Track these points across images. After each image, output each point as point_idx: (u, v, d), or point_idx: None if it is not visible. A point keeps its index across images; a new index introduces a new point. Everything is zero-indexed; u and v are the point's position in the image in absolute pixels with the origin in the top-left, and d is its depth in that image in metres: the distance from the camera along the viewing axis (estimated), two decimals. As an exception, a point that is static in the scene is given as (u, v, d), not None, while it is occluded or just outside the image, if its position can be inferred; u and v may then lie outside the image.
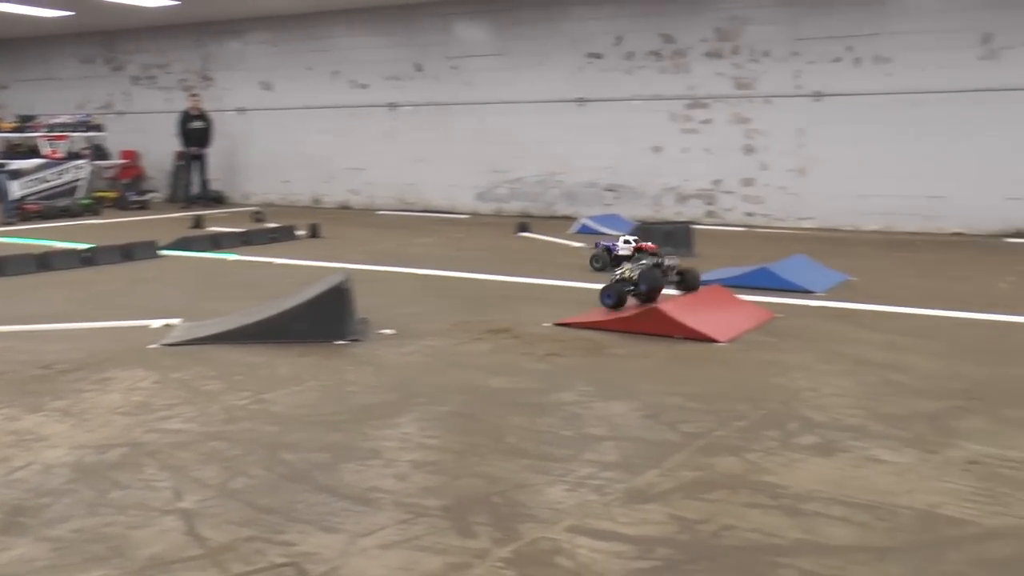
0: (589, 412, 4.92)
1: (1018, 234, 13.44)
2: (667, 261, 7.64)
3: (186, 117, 19.26)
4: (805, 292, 8.41)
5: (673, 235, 11.32)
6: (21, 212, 16.43)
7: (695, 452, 4.25)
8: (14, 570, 3.13)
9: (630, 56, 16.16)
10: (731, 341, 6.52)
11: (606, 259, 9.72)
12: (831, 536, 3.34)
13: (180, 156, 19.88)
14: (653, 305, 6.77)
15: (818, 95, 14.71)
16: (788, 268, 8.88)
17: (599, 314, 7.14)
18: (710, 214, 15.56)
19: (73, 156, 18.87)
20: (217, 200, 19.69)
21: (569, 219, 15.41)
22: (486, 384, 5.51)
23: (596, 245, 10.19)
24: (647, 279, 7.11)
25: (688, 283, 7.55)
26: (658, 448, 4.32)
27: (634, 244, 9.32)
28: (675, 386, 5.40)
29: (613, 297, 7.16)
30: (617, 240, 9.68)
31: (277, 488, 3.85)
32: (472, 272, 9.93)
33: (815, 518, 3.49)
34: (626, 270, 7.39)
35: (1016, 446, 4.35)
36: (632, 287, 7.22)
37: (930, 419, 4.77)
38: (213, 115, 19.59)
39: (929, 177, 14.08)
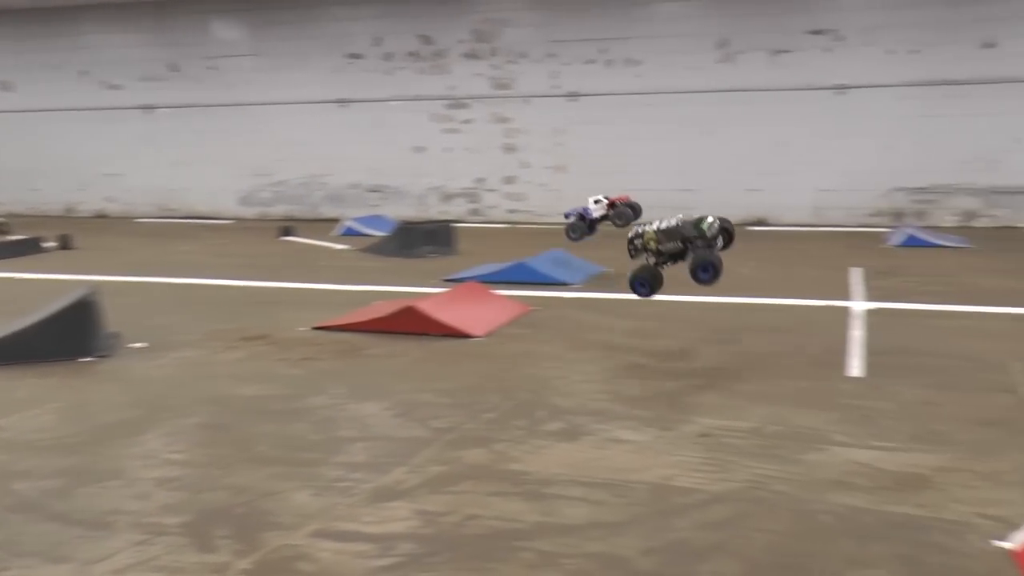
0: (341, 415, 4.87)
1: (759, 222, 14.41)
2: (709, 221, 5.97)
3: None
4: (561, 284, 8.67)
5: (435, 234, 11.41)
6: None
7: (444, 447, 4.28)
8: None
9: (389, 57, 16.17)
10: (487, 335, 6.63)
11: (583, 227, 9.66)
12: (569, 516, 3.45)
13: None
14: (409, 304, 6.77)
15: (574, 95, 15.22)
16: (545, 262, 9.13)
17: (356, 316, 7.09)
18: (474, 212, 15.80)
19: None
20: (-44, 212, 18.21)
21: (335, 221, 15.23)
22: (238, 393, 5.36)
23: (567, 216, 9.90)
24: (704, 262, 5.81)
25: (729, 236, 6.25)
26: (407, 445, 4.33)
27: (606, 201, 9.27)
28: (429, 383, 5.43)
29: (648, 285, 6.10)
30: (587, 204, 9.54)
31: (3, 520, 3.59)
32: (232, 279, 9.64)
33: (555, 500, 3.60)
34: (649, 238, 6.01)
35: (744, 417, 4.65)
36: (662, 258, 6.06)
37: (668, 398, 5.03)
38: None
39: (679, 171, 14.89)
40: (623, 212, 9.12)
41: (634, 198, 9.30)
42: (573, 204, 15.10)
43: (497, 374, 5.61)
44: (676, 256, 6.02)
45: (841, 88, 14.32)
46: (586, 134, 15.23)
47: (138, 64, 17.87)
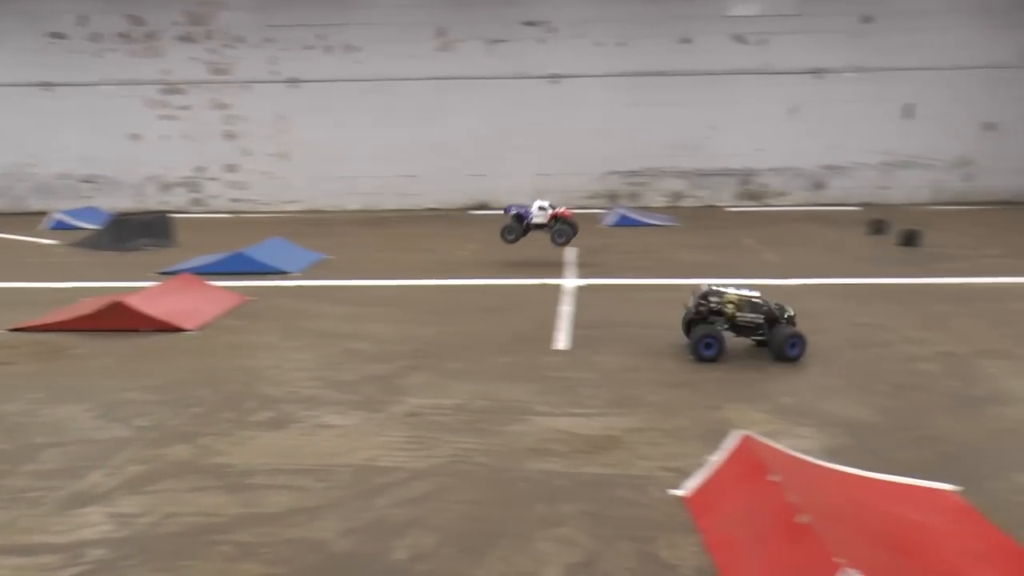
0: (35, 420, 4.58)
1: (481, 207, 14.78)
2: (790, 312, 5.67)
3: None
4: (281, 273, 8.55)
5: (151, 225, 10.91)
6: None
7: (145, 445, 4.14)
8: None
9: (97, 38, 15.20)
10: (200, 328, 6.43)
11: (519, 229, 8.88)
12: (270, 505, 3.44)
13: None
14: (116, 299, 6.45)
15: (294, 81, 14.96)
16: (264, 251, 8.96)
17: (60, 314, 6.67)
18: (196, 202, 15.22)
19: None
20: None
21: (43, 215, 14.17)
22: (-83, 405, 4.92)
23: (506, 211, 9.15)
24: (794, 336, 5.45)
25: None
26: (106, 447, 4.14)
27: (550, 211, 8.71)
28: (136, 380, 5.21)
29: (715, 347, 5.43)
30: (530, 207, 8.87)
31: None
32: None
33: (257, 491, 3.57)
34: (729, 302, 5.57)
35: (449, 395, 4.79)
36: (729, 325, 5.58)
37: (379, 381, 5.09)
38: None
39: (403, 158, 14.99)
40: (564, 231, 8.88)
41: (563, 212, 9.01)
42: (298, 193, 14.98)
43: (208, 367, 5.46)
44: (745, 329, 5.58)
45: (555, 77, 14.88)
46: (308, 121, 15.02)
47: None
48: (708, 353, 5.41)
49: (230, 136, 15.14)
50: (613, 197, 15.02)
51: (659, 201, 15.05)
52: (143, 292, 6.85)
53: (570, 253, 9.59)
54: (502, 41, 14.88)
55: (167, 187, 15.39)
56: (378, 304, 7.27)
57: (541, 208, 8.89)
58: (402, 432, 4.23)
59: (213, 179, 15.24)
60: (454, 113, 14.90)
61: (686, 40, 14.76)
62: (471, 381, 5.06)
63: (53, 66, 15.35)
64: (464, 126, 14.91)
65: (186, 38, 15.09)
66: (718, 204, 15.01)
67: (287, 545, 3.12)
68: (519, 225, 9.07)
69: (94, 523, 3.33)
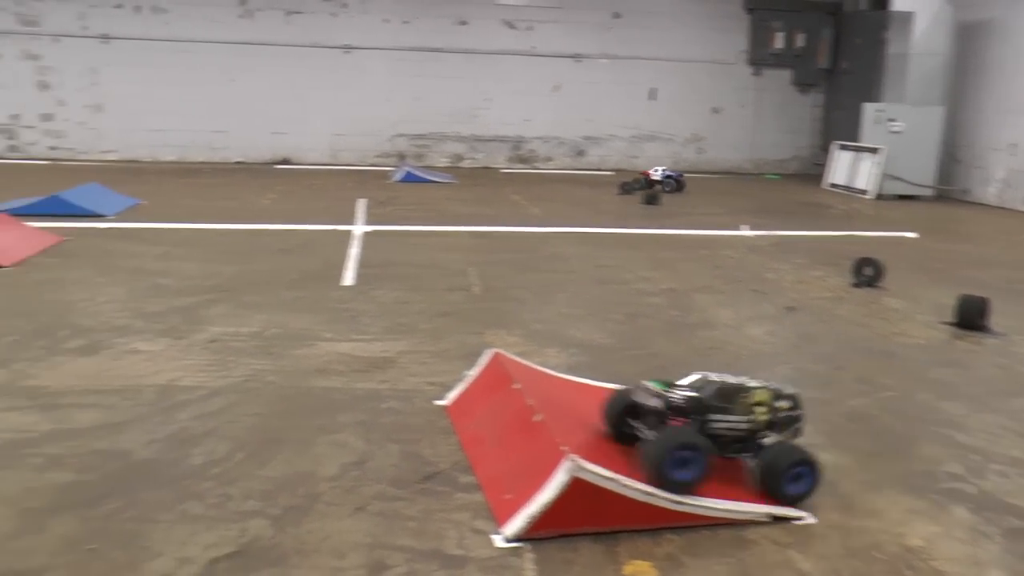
0: None
1: (285, 161, 14.36)
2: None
3: None
4: (96, 216, 8.04)
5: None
6: None
7: (-40, 371, 3.89)
8: None
9: None
10: (14, 265, 6.00)
11: (644, 183, 11.38)
12: (80, 421, 3.35)
13: None
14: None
15: (106, 37, 13.86)
16: (80, 195, 8.38)
17: None
18: (12, 148, 13.90)
19: None
20: None
21: None
22: None
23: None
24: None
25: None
26: (-80, 373, 3.86)
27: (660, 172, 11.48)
28: (-51, 313, 4.84)
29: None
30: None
31: None
32: None
33: (68, 409, 3.46)
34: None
35: (246, 324, 4.75)
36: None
37: (184, 312, 4.97)
38: None
39: (211, 114, 14.28)
40: (669, 183, 11.75)
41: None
42: (114, 143, 14.02)
43: (22, 300, 5.14)
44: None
45: (347, 48, 14.55)
46: (122, 76, 13.97)
47: None
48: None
49: (44, 86, 13.87)
50: (401, 157, 14.95)
51: (442, 162, 15.11)
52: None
53: (360, 204, 9.55)
54: (298, 12, 14.39)
55: (-15, 133, 13.99)
56: (186, 245, 7.01)
57: (659, 169, 11.68)
58: (203, 357, 4.18)
59: (29, 127, 13.93)
60: (257, 76, 14.31)
61: (463, 22, 14.80)
62: (266, 312, 5.02)
63: None
64: (266, 88, 14.37)
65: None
66: (493, 166, 15.26)
67: (94, 455, 3.05)
68: (645, 179, 11.42)
69: (-93, 442, 3.14)
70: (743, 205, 10.99)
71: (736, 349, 4.69)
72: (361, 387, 3.85)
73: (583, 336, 4.80)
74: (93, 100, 13.98)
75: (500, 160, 15.36)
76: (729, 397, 2.90)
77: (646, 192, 10.77)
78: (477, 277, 6.17)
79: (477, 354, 3.82)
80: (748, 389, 2.93)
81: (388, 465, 3.07)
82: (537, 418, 3.04)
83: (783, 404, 2.96)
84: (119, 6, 13.81)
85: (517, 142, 15.43)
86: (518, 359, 3.77)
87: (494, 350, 3.77)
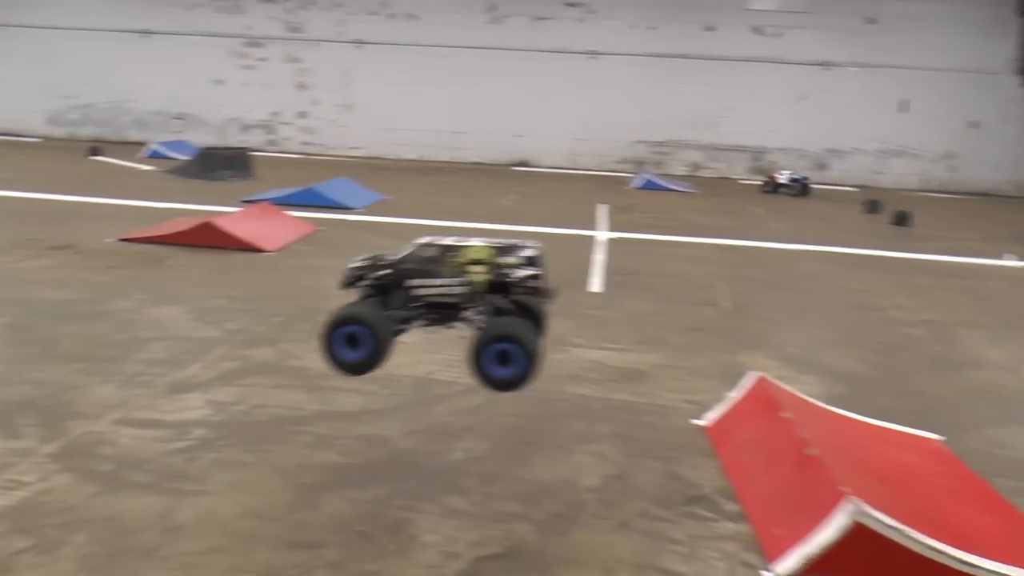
0: (142, 317, 4.64)
1: (522, 164, 14.70)
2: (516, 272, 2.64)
3: None
4: (346, 208, 8.54)
5: (233, 160, 10.92)
6: None
7: (235, 345, 4.19)
8: None
9: (184, -7, 15.11)
10: (277, 251, 6.46)
11: (772, 185, 12.03)
12: (343, 405, 3.49)
13: None
14: (207, 220, 6.49)
15: (359, 42, 14.81)
16: (332, 188, 8.96)
17: (159, 229, 6.73)
18: (271, 142, 15.20)
19: None
20: None
21: (141, 144, 14.23)
22: (44, 296, 4.98)
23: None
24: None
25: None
26: (202, 344, 4.20)
27: (782, 176, 11.99)
28: (224, 290, 5.26)
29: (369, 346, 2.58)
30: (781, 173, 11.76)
31: None
32: (40, 193, 8.85)
33: (332, 392, 3.61)
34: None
35: (494, 323, 4.81)
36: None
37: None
38: None
39: (453, 116, 14.89)
40: (794, 187, 12.26)
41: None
42: (360, 141, 14.94)
43: (284, 284, 5.51)
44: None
45: (593, 53, 14.69)
46: (370, 78, 14.92)
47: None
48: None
49: (302, 87, 15.08)
50: (639, 163, 14.90)
51: (680, 170, 14.92)
52: (229, 216, 6.89)
53: (601, 210, 9.55)
54: (546, 19, 14.67)
55: (246, 128, 15.38)
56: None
57: (784, 172, 12.02)
58: (456, 352, 4.24)
59: (286, 123, 15.21)
60: (500, 80, 14.77)
61: (710, 28, 14.53)
62: (513, 313, 5.07)
63: (150, 16, 15.29)
64: (509, 92, 14.79)
65: (267, -1, 14.96)
66: (732, 176, 14.86)
67: (358, 440, 3.16)
68: (772, 183, 12.07)
69: (195, 407, 3.39)
70: (1003, 231, 10.01)
71: (1010, 393, 4.20)
72: (616, 398, 3.77)
73: (840, 365, 4.48)
74: (344, 100, 14.98)
75: (738, 170, 14.92)
76: (433, 258, 2.53)
77: (896, 212, 10.03)
78: (725, 292, 5.96)
79: (732, 374, 3.64)
80: (458, 247, 2.52)
81: (650, 483, 2.97)
82: (811, 452, 2.83)
83: (509, 260, 2.48)
84: (374, 13, 14.71)
85: (758, 152, 14.93)
86: (784, 386, 3.56)
87: (758, 374, 3.58)
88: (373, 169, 12.90)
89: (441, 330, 2.58)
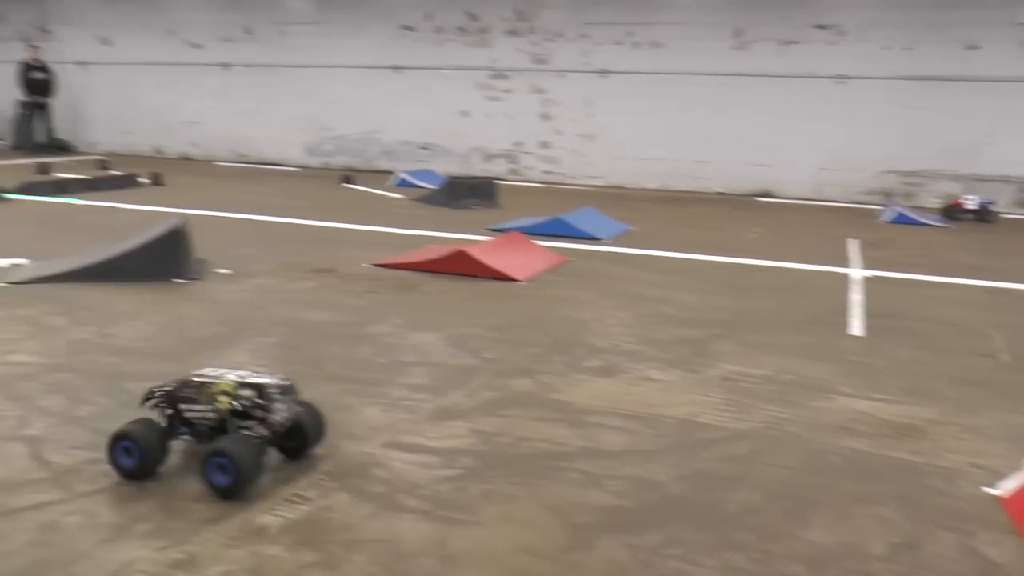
0: (401, 342, 4.83)
1: (765, 194, 14.22)
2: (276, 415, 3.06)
3: (26, 68, 17.61)
4: (593, 239, 8.57)
5: (479, 188, 11.30)
6: None
7: (493, 375, 4.25)
8: None
9: (439, 30, 15.92)
10: (528, 280, 6.56)
11: (959, 211, 11.78)
12: (608, 443, 3.42)
13: (23, 105, 18.17)
14: (460, 248, 6.70)
15: (604, 72, 14.96)
16: (579, 218, 9.02)
17: (412, 256, 7.04)
18: (513, 171, 15.65)
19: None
20: (63, 148, 18.20)
21: (389, 173, 15.14)
22: (310, 318, 5.33)
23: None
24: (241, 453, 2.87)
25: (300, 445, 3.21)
26: (461, 372, 4.30)
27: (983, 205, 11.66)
28: (478, 319, 5.38)
29: (136, 457, 3.00)
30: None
31: (120, 415, 3.57)
32: (300, 218, 9.58)
33: (595, 428, 3.56)
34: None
35: (758, 365, 4.59)
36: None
37: (692, 344, 4.96)
38: (55, 67, 18.03)
39: (695, 145, 14.67)
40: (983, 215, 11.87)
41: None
42: (601, 170, 15.05)
43: (538, 314, 5.56)
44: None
45: (841, 78, 14.00)
46: (613, 107, 15.00)
47: (217, 27, 17.69)
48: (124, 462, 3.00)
49: (545, 117, 15.42)
50: (888, 195, 13.97)
51: (932, 202, 13.81)
52: (480, 244, 7.08)
53: (851, 245, 9.00)
54: (794, 43, 14.16)
55: (489, 157, 15.93)
56: (679, 274, 7.13)
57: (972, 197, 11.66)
58: (717, 394, 4.09)
59: (528, 153, 15.61)
60: (744, 107, 14.38)
61: (973, 47, 13.38)
62: (774, 355, 4.82)
63: (402, 52, 16.24)
64: (752, 119, 14.37)
65: (512, 32, 15.46)
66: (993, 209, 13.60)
67: (627, 481, 3.07)
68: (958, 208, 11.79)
69: (460, 435, 3.45)
70: None
71: None
72: (893, 456, 3.45)
73: None
74: (586, 130, 15.17)
75: (1002, 203, 13.59)
76: (197, 387, 3.09)
77: None
78: (1002, 342, 5.36)
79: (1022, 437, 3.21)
80: (213, 379, 3.10)
81: (943, 556, 2.67)
82: None
83: (247, 393, 3.03)
84: (619, 43, 14.82)
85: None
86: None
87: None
88: (615, 199, 12.93)
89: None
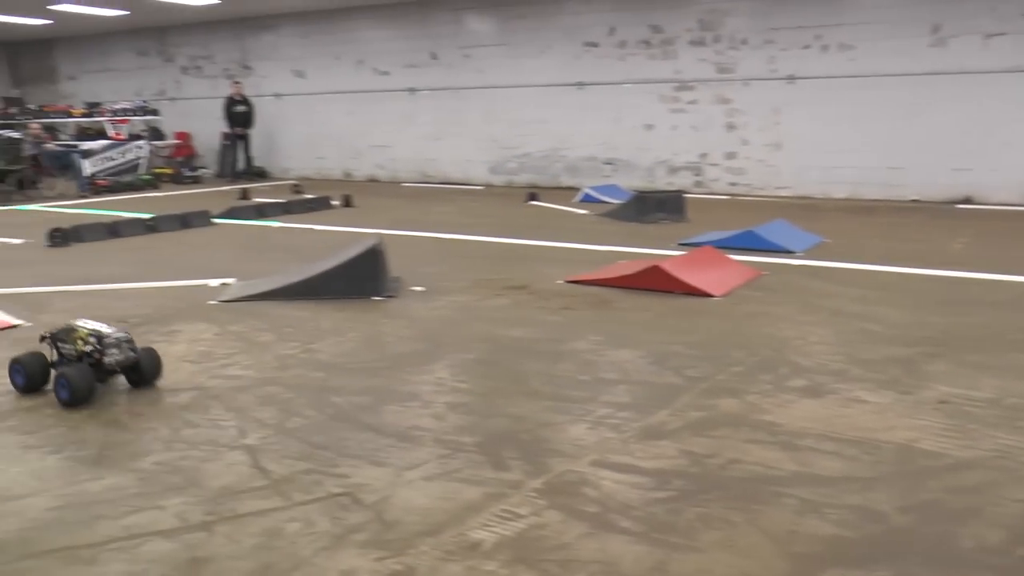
0: (601, 359, 4.86)
1: (966, 200, 13.29)
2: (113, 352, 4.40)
3: (230, 102, 19.10)
4: (786, 252, 8.30)
5: (666, 202, 11.19)
6: (92, 187, 16.42)
7: (698, 394, 4.19)
8: (107, 497, 3.12)
9: (623, 44, 15.91)
10: (724, 296, 6.44)
11: None
12: (824, 468, 3.30)
13: (226, 136, 19.68)
14: (655, 264, 6.66)
15: (791, 78, 14.48)
16: (771, 231, 8.76)
17: (605, 272, 7.06)
18: (698, 184, 15.39)
19: (134, 137, 18.87)
20: (260, 175, 19.60)
21: (573, 189, 15.27)
22: (507, 334, 5.45)
23: None
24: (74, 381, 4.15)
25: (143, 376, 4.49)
26: (665, 391, 4.27)
27: None
28: (676, 336, 5.33)
29: (24, 378, 4.36)
30: None
31: (328, 427, 3.82)
32: (489, 236, 9.82)
33: (809, 452, 3.45)
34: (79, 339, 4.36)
35: (980, 387, 4.29)
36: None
37: (903, 363, 4.71)
38: (253, 100, 19.44)
39: (888, 150, 13.92)
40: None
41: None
42: (788, 180, 14.56)
43: (738, 331, 5.43)
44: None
45: (1056, 70, 12.90)
46: (802, 114, 14.46)
47: (403, 54, 18.44)
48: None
49: (731, 127, 15.09)
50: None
51: None
52: (674, 259, 7.01)
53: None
54: (1000, 34, 13.14)
55: (673, 170, 15.74)
56: (881, 288, 6.78)
57: None
58: (936, 419, 3.85)
59: (714, 164, 15.31)
60: (942, 107, 13.48)
61: None
62: (997, 376, 4.48)
63: (585, 69, 16.33)
64: (952, 120, 13.43)
65: (697, 42, 15.22)
66: None
67: (848, 510, 2.94)
68: None
69: (670, 456, 3.42)
70: None
71: None
72: None
73: None
74: (773, 139, 14.72)
75: None
76: (67, 332, 4.37)
77: None
78: None
79: None
80: (76, 328, 4.38)
81: None
82: None
83: (92, 340, 4.29)
84: (807, 47, 14.29)
85: None
86: None
87: None
88: (803, 209, 12.47)
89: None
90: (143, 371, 4.46)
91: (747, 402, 4.05)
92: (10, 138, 16.45)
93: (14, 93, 24.71)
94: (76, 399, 4.14)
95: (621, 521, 2.88)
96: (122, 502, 3.07)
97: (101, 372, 4.32)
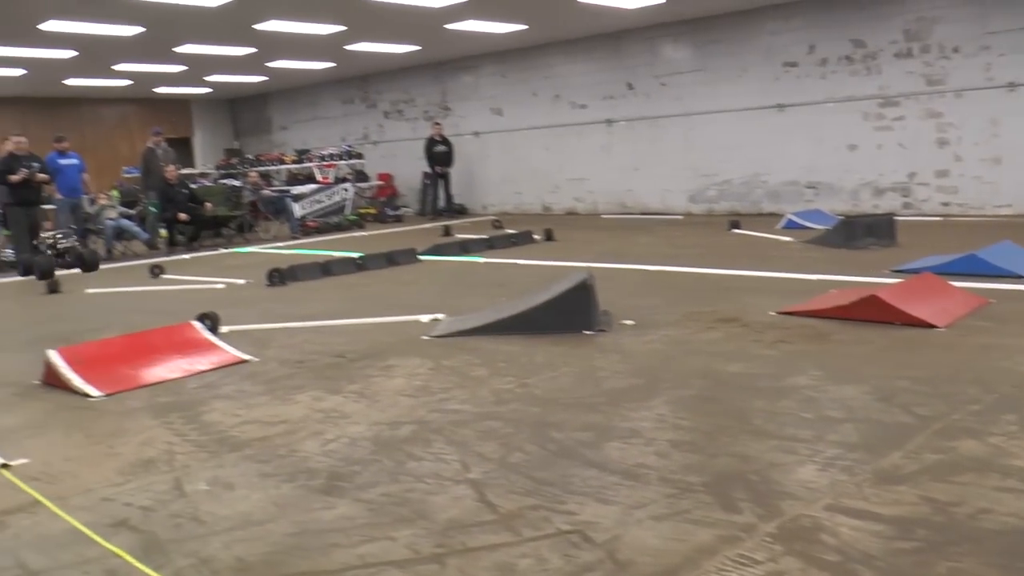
0: (824, 395, 4.65)
1: None
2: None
3: (431, 142, 19.92)
4: (1016, 277, 7.65)
5: (876, 227, 10.63)
6: (303, 228, 17.58)
7: (934, 435, 3.92)
8: (340, 525, 3.28)
9: (823, 62, 15.32)
10: (948, 327, 6.01)
11: None
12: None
13: (427, 176, 20.55)
14: (873, 293, 6.32)
15: (1012, 86, 13.39)
16: (996, 254, 8.10)
17: (819, 302, 6.78)
18: (906, 206, 14.51)
19: (340, 180, 20.09)
20: (460, 212, 20.30)
21: (774, 216, 14.79)
22: (724, 369, 5.33)
23: None
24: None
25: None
26: (897, 430, 4.02)
27: None
28: (901, 370, 5.02)
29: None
30: None
31: (551, 463, 3.85)
32: (693, 267, 9.67)
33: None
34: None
35: None
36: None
37: None
38: (453, 139, 20.20)
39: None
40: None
41: None
42: (1009, 197, 13.44)
43: (969, 366, 5.04)
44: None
45: None
46: (1023, 125, 13.33)
47: (599, 86, 18.59)
48: None
49: (942, 143, 14.14)
50: None
51: None
52: (893, 287, 6.62)
53: None
54: None
55: (879, 192, 14.94)
56: None
57: None
58: None
59: (923, 184, 14.39)
60: None
61: None
62: None
63: (785, 90, 15.84)
64: None
65: (903, 54, 14.42)
66: None
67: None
68: None
69: (910, 502, 3.21)
70: None
71: None
72: None
73: None
74: (991, 153, 13.66)
75: None
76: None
77: None
78: None
79: None
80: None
81: None
82: None
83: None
84: (1033, 49, 13.21)
85: None
86: None
87: None
88: (1028, 228, 11.48)
89: None
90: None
91: (991, 444, 3.74)
92: (232, 186, 18.00)
93: (234, 145, 27.05)
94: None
95: (864, 572, 2.73)
96: (354, 531, 3.22)
97: None
